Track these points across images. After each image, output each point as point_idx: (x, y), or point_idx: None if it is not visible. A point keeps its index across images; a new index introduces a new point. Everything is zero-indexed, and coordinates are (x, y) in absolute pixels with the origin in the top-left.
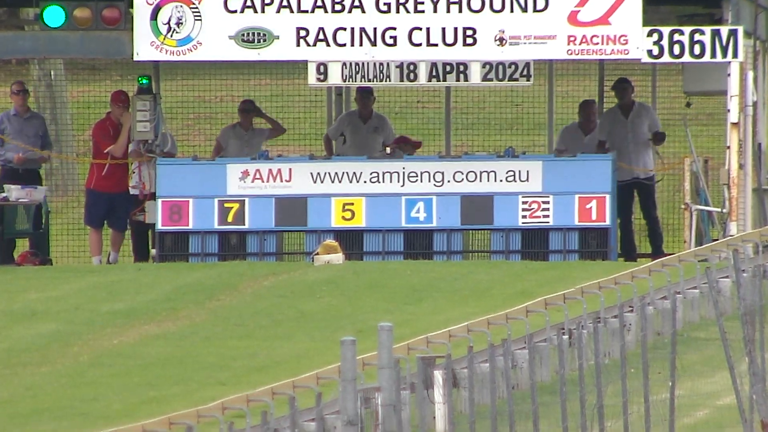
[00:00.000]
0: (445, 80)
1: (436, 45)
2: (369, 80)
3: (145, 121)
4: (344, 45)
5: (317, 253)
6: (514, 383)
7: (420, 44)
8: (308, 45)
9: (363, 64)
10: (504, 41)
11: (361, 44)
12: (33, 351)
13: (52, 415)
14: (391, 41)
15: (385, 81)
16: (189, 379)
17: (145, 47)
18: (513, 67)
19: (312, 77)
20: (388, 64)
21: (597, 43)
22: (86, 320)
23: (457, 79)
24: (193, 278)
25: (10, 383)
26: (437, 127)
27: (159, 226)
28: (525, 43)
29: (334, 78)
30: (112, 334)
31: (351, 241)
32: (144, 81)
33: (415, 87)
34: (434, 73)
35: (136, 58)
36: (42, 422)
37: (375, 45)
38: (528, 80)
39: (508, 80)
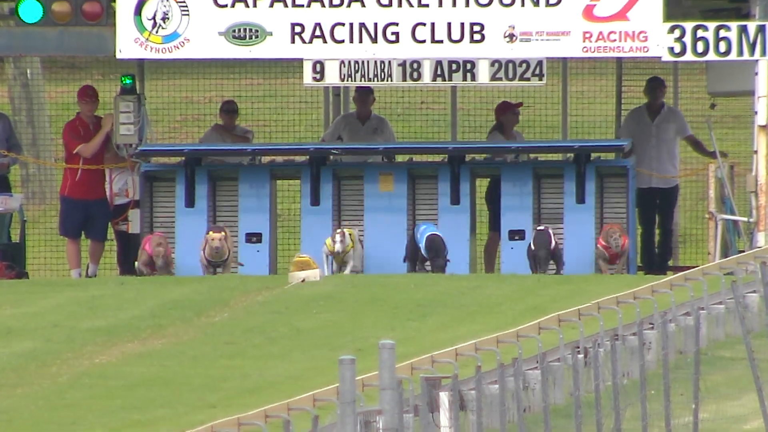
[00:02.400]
0: (450, 79)
1: (442, 42)
2: (369, 80)
3: (128, 124)
4: (342, 42)
5: (290, 271)
6: (526, 406)
7: (424, 41)
8: (304, 42)
9: (363, 62)
10: (514, 37)
11: (360, 41)
12: (8, 371)
13: None
14: (392, 38)
15: (387, 81)
16: (176, 402)
17: (128, 44)
18: (524, 65)
19: (308, 76)
20: (389, 63)
21: (614, 40)
22: (65, 338)
23: (464, 79)
24: (181, 293)
25: None
26: (442, 130)
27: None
28: (537, 40)
29: (332, 77)
30: (93, 353)
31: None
32: (127, 80)
33: (419, 87)
34: (439, 72)
35: (119, 55)
36: None
37: (375, 42)
38: (540, 79)
39: (519, 79)
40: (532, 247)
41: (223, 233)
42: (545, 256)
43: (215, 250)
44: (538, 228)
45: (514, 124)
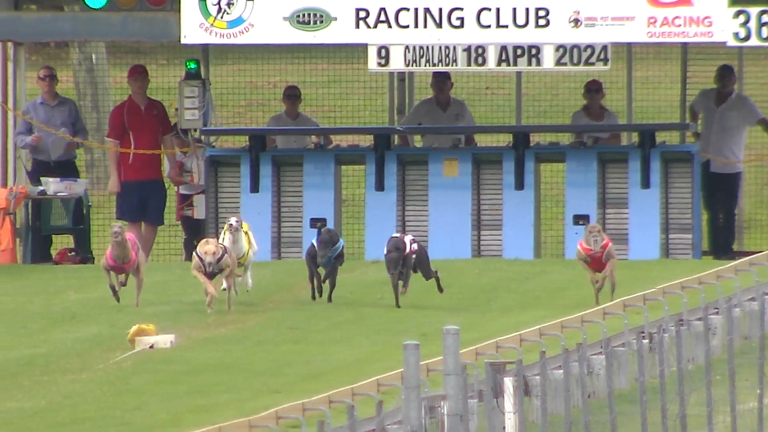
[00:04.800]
0: (515, 65)
1: (507, 27)
2: (434, 65)
3: (193, 109)
4: (407, 27)
5: (131, 339)
6: (590, 391)
7: (489, 26)
8: (368, 27)
9: (427, 47)
10: (579, 23)
11: (425, 26)
12: (72, 356)
13: (93, 425)
14: (457, 23)
15: (452, 65)
16: (240, 387)
17: (193, 29)
18: (589, 50)
19: (372, 62)
20: (454, 48)
21: (679, 25)
22: (130, 323)
23: (529, 64)
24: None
25: (48, 391)
26: (507, 115)
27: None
28: (602, 25)
29: (397, 63)
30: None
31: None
32: (192, 65)
33: (484, 72)
34: (504, 57)
35: (183, 41)
36: None
37: (440, 27)
38: (605, 65)
39: (584, 65)
40: (385, 250)
41: (216, 245)
42: (396, 258)
43: (209, 265)
44: (394, 235)
45: (598, 104)
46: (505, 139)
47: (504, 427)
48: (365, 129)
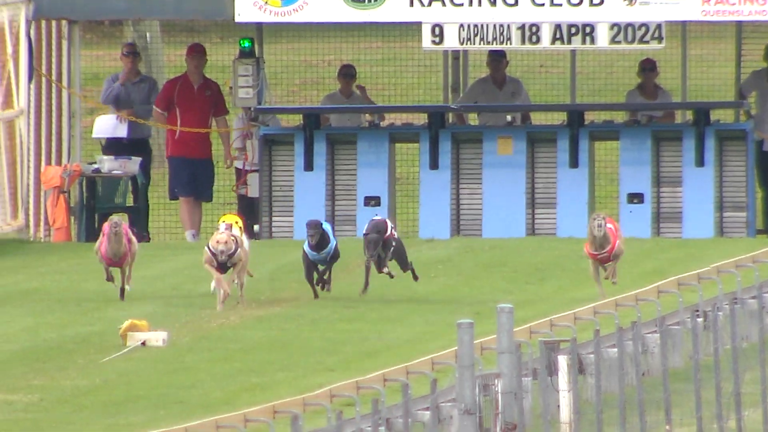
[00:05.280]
0: (569, 43)
1: (561, 5)
2: (488, 43)
3: (247, 87)
4: (461, 5)
5: (123, 334)
6: (645, 369)
7: (543, 4)
8: (422, 5)
9: (482, 25)
10: (633, 1)
11: (479, 4)
12: None
13: (148, 402)
14: (511, 1)
15: (506, 44)
16: (294, 365)
17: (247, 7)
18: (643, 28)
19: (426, 40)
20: (508, 26)
21: (733, 4)
22: (184, 302)
23: (583, 42)
24: (299, 256)
25: (103, 369)
26: (561, 93)
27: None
28: (656, 3)
29: (451, 41)
30: (212, 317)
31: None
32: (246, 44)
33: (538, 50)
34: (558, 36)
35: (237, 19)
36: (136, 411)
37: (494, 5)
38: (660, 43)
39: (638, 43)
40: (364, 230)
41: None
42: (376, 240)
43: (222, 253)
44: (374, 218)
45: (652, 82)
46: (559, 118)
47: (558, 405)
48: (419, 107)
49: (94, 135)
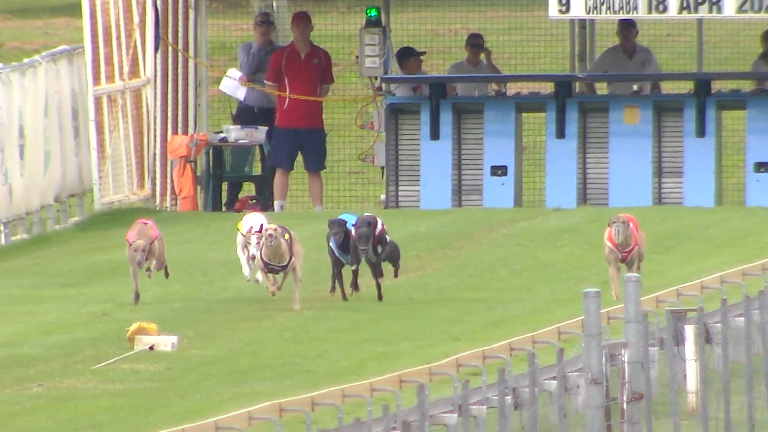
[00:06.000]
0: (696, 12)
1: None
2: (615, 12)
3: (374, 57)
4: None
5: (131, 337)
6: None
7: None
8: None
9: None
10: None
11: None
12: (253, 303)
13: (273, 372)
14: None
15: (632, 13)
16: (420, 334)
17: None
18: None
19: (553, 9)
20: None
21: None
22: (310, 270)
23: (710, 12)
24: (426, 226)
25: (229, 338)
26: (688, 62)
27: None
28: None
29: (577, 10)
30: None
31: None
32: (373, 13)
33: (665, 19)
34: (685, 5)
35: None
36: (262, 380)
37: None
38: None
39: (765, 12)
40: (354, 224)
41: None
42: (367, 234)
43: (270, 249)
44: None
45: None
46: (686, 87)
47: (685, 375)
48: (546, 76)
49: (220, 87)
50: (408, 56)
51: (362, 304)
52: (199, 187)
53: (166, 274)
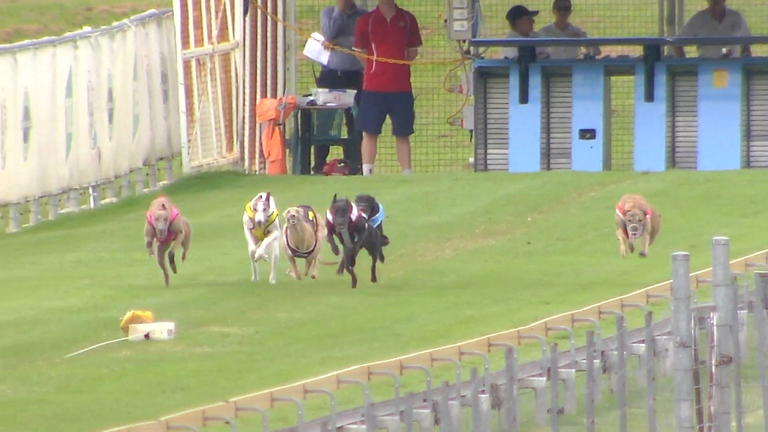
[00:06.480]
0: None
1: None
2: None
3: (462, 20)
4: None
5: (124, 326)
6: None
7: None
8: None
9: None
10: None
11: None
12: None
13: (362, 335)
14: None
15: None
16: (509, 298)
17: None
18: None
19: None
20: None
21: None
22: (399, 234)
23: None
24: (515, 189)
25: (318, 302)
26: None
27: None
28: None
29: None
30: (427, 250)
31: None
32: None
33: None
34: None
35: None
36: (351, 343)
37: None
38: None
39: None
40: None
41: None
42: (344, 208)
43: (295, 235)
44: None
45: None
46: None
47: None
48: (635, 39)
49: (304, 52)
50: (520, 15)
51: (450, 266)
52: (287, 151)
53: (183, 257)
